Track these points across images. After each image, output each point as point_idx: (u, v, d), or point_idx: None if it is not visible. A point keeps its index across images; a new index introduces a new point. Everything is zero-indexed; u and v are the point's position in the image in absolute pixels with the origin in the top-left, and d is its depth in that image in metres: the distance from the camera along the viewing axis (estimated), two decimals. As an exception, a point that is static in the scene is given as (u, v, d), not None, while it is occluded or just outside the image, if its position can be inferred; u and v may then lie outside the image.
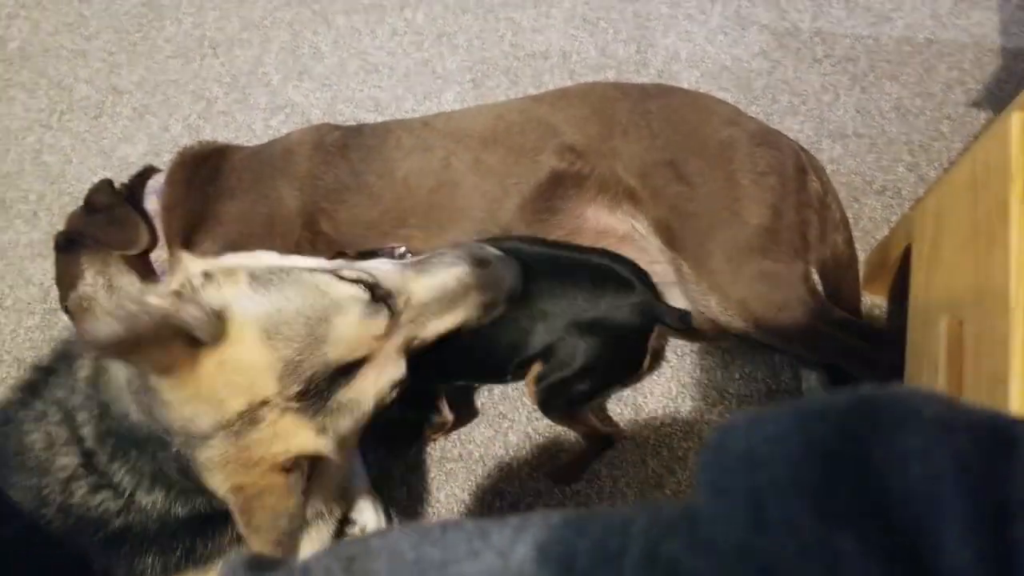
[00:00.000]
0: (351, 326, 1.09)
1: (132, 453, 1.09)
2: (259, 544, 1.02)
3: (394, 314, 1.14)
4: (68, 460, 1.11)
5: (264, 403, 1.04)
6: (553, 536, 0.60)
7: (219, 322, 1.03)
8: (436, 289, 1.20)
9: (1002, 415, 0.50)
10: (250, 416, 1.03)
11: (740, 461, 0.54)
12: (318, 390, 1.07)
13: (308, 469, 1.09)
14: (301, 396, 1.05)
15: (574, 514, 0.63)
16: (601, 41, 2.39)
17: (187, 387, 1.01)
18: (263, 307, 1.05)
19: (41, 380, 1.19)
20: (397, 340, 1.15)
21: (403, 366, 1.16)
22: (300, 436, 1.07)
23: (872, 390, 0.52)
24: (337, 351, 1.08)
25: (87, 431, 1.11)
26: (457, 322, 1.23)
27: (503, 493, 1.75)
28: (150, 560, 1.13)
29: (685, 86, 2.20)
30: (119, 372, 1.08)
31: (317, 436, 1.08)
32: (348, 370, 1.10)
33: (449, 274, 1.22)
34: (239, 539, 1.15)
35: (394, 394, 1.16)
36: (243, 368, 1.03)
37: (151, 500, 1.11)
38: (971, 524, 0.44)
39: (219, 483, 1.04)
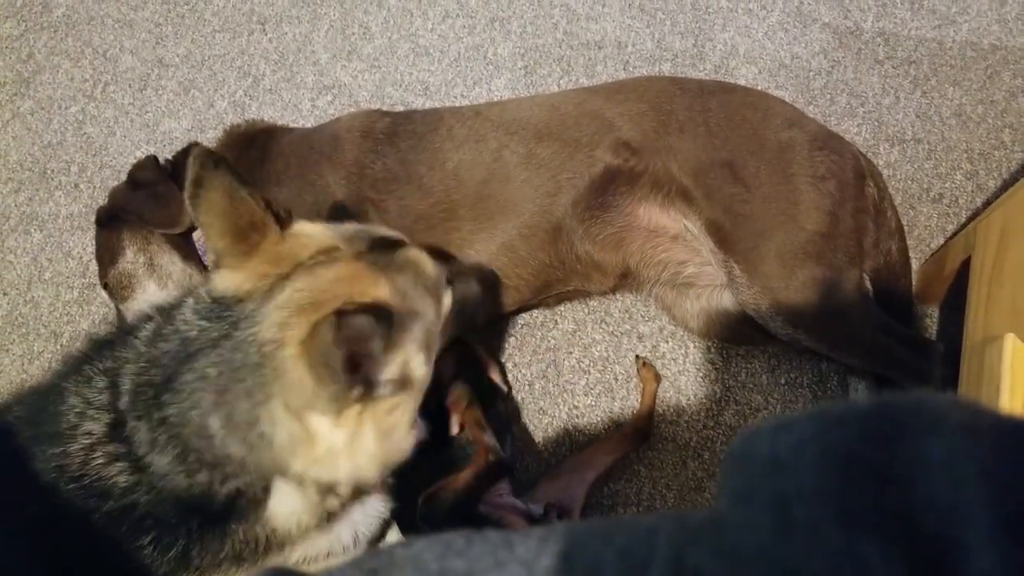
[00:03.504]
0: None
1: (165, 397, 1.03)
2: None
3: None
4: (95, 426, 1.05)
5: (334, 248, 1.11)
6: (578, 546, 0.61)
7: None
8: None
9: None
10: (323, 257, 1.09)
11: (764, 467, 0.55)
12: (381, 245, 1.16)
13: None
14: (367, 251, 1.13)
15: (599, 523, 0.64)
16: (658, 33, 2.35)
17: (262, 253, 1.10)
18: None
19: (95, 349, 1.16)
20: None
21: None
22: (368, 280, 1.08)
23: (896, 395, 0.53)
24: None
25: (126, 386, 1.06)
26: None
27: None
28: (150, 549, 1.05)
29: (742, 83, 2.16)
30: (186, 311, 1.10)
31: (385, 285, 1.09)
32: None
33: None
34: (236, 557, 1.10)
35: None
36: (314, 235, 1.14)
37: (164, 463, 1.03)
38: (995, 530, 0.44)
39: (285, 327, 1.03)
